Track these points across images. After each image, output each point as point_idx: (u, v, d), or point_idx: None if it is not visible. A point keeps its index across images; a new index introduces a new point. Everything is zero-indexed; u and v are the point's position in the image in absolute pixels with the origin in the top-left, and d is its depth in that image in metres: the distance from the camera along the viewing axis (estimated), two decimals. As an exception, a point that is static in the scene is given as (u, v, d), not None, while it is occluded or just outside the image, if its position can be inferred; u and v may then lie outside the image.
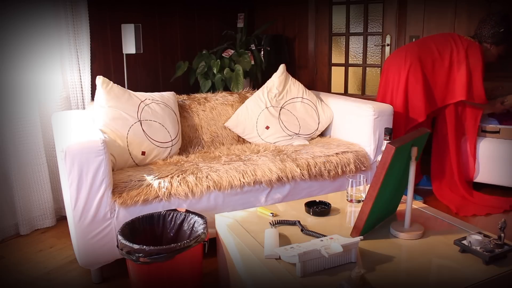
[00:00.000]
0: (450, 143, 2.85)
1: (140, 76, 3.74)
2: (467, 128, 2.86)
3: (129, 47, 3.09)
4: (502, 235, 1.35)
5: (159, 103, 2.38)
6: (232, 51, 3.59)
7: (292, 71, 4.19)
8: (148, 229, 1.85)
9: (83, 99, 2.73)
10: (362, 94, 3.84)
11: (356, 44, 3.81)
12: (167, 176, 2.03)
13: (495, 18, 2.70)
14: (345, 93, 3.95)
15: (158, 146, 2.29)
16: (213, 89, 3.43)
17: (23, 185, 2.46)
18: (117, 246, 1.66)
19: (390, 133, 1.73)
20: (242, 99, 2.82)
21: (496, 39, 2.71)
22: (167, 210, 1.88)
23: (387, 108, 2.53)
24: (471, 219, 2.57)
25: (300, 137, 2.68)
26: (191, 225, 1.83)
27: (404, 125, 2.78)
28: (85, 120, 2.18)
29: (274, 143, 2.63)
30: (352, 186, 1.80)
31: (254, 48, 3.67)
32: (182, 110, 2.61)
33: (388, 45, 3.55)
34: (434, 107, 2.79)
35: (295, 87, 2.80)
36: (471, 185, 2.90)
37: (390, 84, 2.84)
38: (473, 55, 2.70)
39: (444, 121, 2.87)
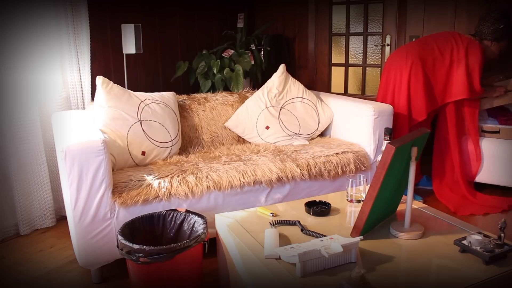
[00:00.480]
0: (451, 142, 2.85)
1: (140, 76, 3.74)
2: (467, 128, 2.86)
3: (129, 47, 3.09)
4: (502, 235, 1.34)
5: (159, 103, 2.38)
6: (232, 51, 3.59)
7: (292, 71, 4.19)
8: (148, 229, 1.85)
9: (83, 99, 2.73)
10: (362, 94, 3.84)
11: (356, 44, 3.81)
12: (167, 176, 2.03)
13: (494, 15, 2.70)
14: (345, 93, 3.95)
15: (158, 146, 2.29)
16: (213, 89, 3.43)
17: (23, 185, 2.45)
18: (117, 246, 1.66)
19: (390, 133, 1.73)
20: (242, 99, 2.82)
21: (496, 35, 2.72)
22: (167, 210, 1.88)
23: (387, 108, 2.53)
24: (470, 219, 2.57)
25: (300, 137, 2.68)
26: (191, 225, 1.83)
27: (407, 125, 2.79)
28: (85, 120, 2.18)
29: (274, 143, 2.63)
30: (352, 186, 1.80)
31: (254, 48, 3.67)
32: (182, 110, 2.61)
33: (388, 45, 3.55)
34: (434, 106, 2.79)
35: (295, 87, 2.80)
36: (472, 185, 2.89)
37: (392, 83, 2.84)
38: (473, 53, 2.71)
39: (445, 120, 2.87)
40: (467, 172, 2.90)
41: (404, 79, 2.76)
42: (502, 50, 2.82)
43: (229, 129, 2.71)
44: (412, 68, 2.73)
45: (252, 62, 3.54)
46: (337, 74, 3.98)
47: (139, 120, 2.26)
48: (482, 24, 2.74)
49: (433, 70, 2.76)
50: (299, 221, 1.60)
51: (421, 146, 1.48)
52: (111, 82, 2.29)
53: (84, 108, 2.73)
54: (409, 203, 1.49)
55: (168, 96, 2.47)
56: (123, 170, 2.13)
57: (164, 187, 1.96)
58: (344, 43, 3.87)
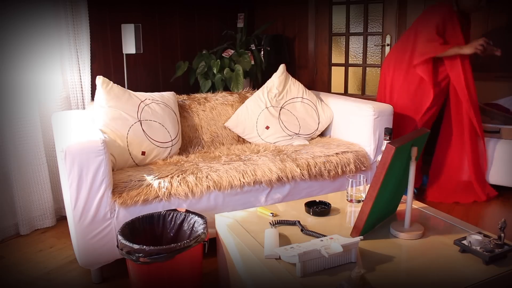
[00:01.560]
0: (454, 142, 2.86)
1: (140, 76, 3.74)
2: (478, 129, 2.85)
3: (129, 47, 3.09)
4: (502, 235, 1.35)
5: (159, 103, 2.37)
6: (232, 51, 3.59)
7: (292, 71, 4.19)
8: (148, 229, 1.85)
9: (83, 99, 2.73)
10: (362, 94, 3.84)
11: (356, 44, 3.81)
12: (167, 176, 2.03)
13: None
14: (345, 93, 3.95)
15: (158, 146, 2.29)
16: (213, 89, 3.43)
17: (23, 185, 2.45)
18: (117, 246, 1.66)
19: (390, 133, 1.73)
20: (242, 99, 2.82)
21: None
22: (167, 210, 1.88)
23: (387, 108, 2.54)
24: (471, 220, 2.57)
25: (300, 137, 2.68)
26: (191, 225, 1.83)
27: (407, 125, 2.80)
28: (85, 120, 2.18)
29: (274, 143, 2.63)
30: (352, 186, 1.80)
31: (254, 48, 3.67)
32: (182, 110, 2.61)
33: (388, 45, 3.55)
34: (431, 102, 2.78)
35: (295, 87, 2.80)
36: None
37: (388, 88, 2.89)
38: (426, 12, 2.70)
39: (450, 119, 2.86)
40: (482, 171, 2.88)
41: (395, 85, 2.82)
42: (482, 3, 2.65)
43: (229, 129, 2.71)
44: (394, 76, 2.81)
45: (252, 62, 3.54)
46: (337, 74, 3.98)
47: (139, 120, 2.26)
48: None
49: (408, 69, 2.77)
50: (299, 221, 1.60)
51: (421, 146, 1.48)
52: (111, 82, 2.29)
53: (84, 108, 2.73)
54: (409, 203, 1.49)
55: (168, 96, 2.47)
56: (123, 170, 2.13)
57: (164, 187, 1.96)
58: (344, 43, 3.87)
